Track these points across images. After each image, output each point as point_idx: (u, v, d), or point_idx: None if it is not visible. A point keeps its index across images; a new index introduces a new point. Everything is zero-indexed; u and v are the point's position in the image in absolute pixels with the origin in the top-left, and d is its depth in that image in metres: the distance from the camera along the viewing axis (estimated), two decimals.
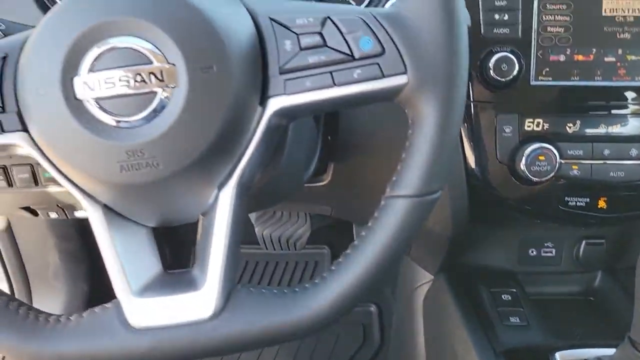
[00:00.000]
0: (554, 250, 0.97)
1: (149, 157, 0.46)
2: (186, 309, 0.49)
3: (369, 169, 0.87)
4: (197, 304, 0.49)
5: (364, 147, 0.83)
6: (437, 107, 0.47)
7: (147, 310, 0.49)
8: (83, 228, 1.34)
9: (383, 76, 0.47)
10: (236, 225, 0.50)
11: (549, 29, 0.73)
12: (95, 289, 1.37)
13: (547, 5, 0.72)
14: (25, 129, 0.48)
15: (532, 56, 0.73)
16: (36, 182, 0.90)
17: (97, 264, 1.39)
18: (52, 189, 0.91)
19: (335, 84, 0.47)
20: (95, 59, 0.45)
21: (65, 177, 0.50)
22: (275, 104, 0.48)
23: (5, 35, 0.63)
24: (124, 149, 0.46)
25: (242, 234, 0.51)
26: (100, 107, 0.46)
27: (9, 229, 1.27)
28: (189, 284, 0.50)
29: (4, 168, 0.88)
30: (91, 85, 0.45)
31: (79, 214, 1.11)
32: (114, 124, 0.46)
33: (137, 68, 0.45)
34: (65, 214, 1.08)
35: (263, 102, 0.48)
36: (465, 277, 0.98)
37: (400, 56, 0.47)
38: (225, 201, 0.49)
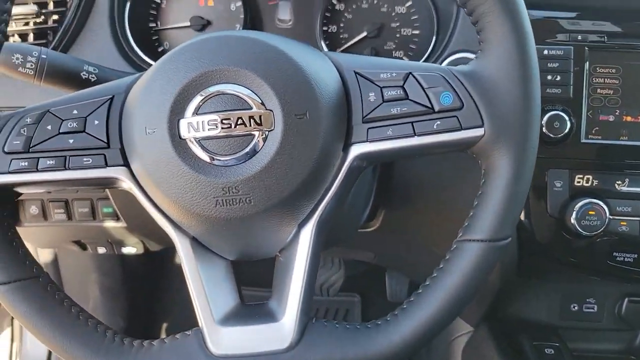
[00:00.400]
0: (595, 307, 0.97)
1: (243, 194, 0.50)
2: (264, 340, 0.52)
3: (418, 218, 0.90)
4: (274, 335, 0.52)
5: (416, 197, 0.86)
6: (511, 159, 0.50)
7: (228, 338, 0.52)
8: (125, 265, 1.37)
9: (461, 128, 0.51)
10: (314, 261, 0.53)
11: (598, 90, 0.77)
12: (132, 324, 1.39)
13: (597, 69, 0.77)
14: (126, 164, 0.53)
15: (583, 115, 0.77)
16: (94, 217, 0.94)
17: (135, 301, 1.42)
18: (108, 224, 0.96)
19: (415, 134, 0.51)
20: (200, 103, 0.50)
21: (159, 210, 0.53)
22: (357, 149, 0.52)
23: (98, 77, 0.69)
24: (221, 185, 0.50)
25: (317, 269, 0.54)
26: (202, 147, 0.50)
27: (55, 261, 1.31)
28: (267, 315, 0.53)
29: (66, 202, 0.93)
30: (195, 126, 0.50)
31: (126, 250, 1.15)
32: (210, 161, 0.50)
33: (238, 112, 0.49)
34: (114, 249, 1.12)
35: (346, 148, 0.52)
36: (507, 329, 0.99)
37: (478, 111, 0.51)
38: (305, 238, 0.53)
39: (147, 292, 1.47)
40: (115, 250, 1.13)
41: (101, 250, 1.12)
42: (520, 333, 0.98)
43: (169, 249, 1.50)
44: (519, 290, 0.96)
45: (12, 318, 1.42)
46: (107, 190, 0.88)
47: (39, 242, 1.14)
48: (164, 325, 1.50)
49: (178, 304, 1.49)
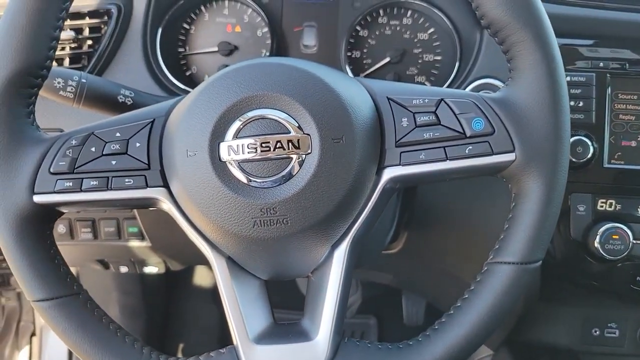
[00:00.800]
0: (617, 331, 0.97)
1: (280, 215, 0.51)
2: (298, 358, 0.53)
3: (440, 240, 0.90)
4: (309, 354, 0.53)
5: (438, 219, 0.87)
6: (542, 183, 0.52)
7: (262, 357, 0.53)
8: (145, 285, 1.38)
9: (493, 153, 0.52)
10: (346, 280, 0.54)
11: (620, 116, 0.78)
12: (149, 344, 1.39)
13: (619, 95, 0.78)
14: (165, 185, 0.54)
15: (605, 141, 0.78)
16: (119, 236, 0.96)
17: (153, 320, 1.43)
18: (133, 243, 0.97)
19: (447, 158, 0.53)
20: (240, 127, 0.52)
21: (197, 230, 0.55)
22: (390, 172, 0.54)
23: (134, 101, 0.71)
24: (259, 206, 0.51)
25: (349, 289, 0.55)
26: (241, 169, 0.52)
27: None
28: (300, 334, 0.54)
29: (93, 221, 0.95)
30: (235, 149, 0.51)
31: (147, 270, 1.16)
32: (247, 182, 0.52)
33: (277, 136, 0.51)
34: (136, 269, 1.14)
35: (379, 171, 0.54)
36: (528, 353, 0.99)
37: (509, 136, 0.52)
38: (338, 259, 0.54)
39: (166, 311, 1.48)
40: (137, 270, 1.14)
41: (123, 269, 1.13)
42: (540, 357, 0.98)
43: (189, 269, 1.51)
44: (540, 314, 0.96)
45: (31, 336, 1.43)
46: (134, 209, 0.90)
47: None
48: (181, 346, 1.50)
49: (195, 325, 1.49)
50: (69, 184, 0.53)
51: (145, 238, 0.95)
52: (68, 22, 0.83)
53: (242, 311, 0.54)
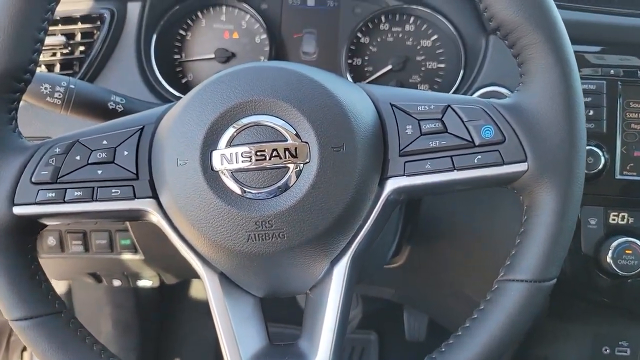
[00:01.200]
0: (628, 350, 0.93)
1: (276, 228, 0.48)
2: None
3: (444, 255, 0.87)
4: None
5: (443, 233, 0.84)
6: (556, 195, 0.48)
7: None
8: (139, 299, 1.35)
9: (503, 163, 0.49)
10: (347, 298, 0.51)
11: (632, 125, 0.75)
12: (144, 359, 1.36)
13: (631, 104, 0.75)
14: (154, 196, 0.51)
15: (617, 151, 0.75)
16: (112, 249, 0.93)
17: (147, 336, 1.39)
18: (125, 256, 0.94)
19: (455, 168, 0.49)
20: (234, 135, 0.49)
21: (187, 244, 0.51)
22: (393, 183, 0.50)
23: (125, 108, 0.68)
24: (254, 219, 0.48)
25: (350, 307, 0.52)
26: (235, 179, 0.48)
27: (69, 293, 1.29)
28: (298, 356, 0.51)
29: (84, 233, 0.92)
30: (228, 158, 0.48)
31: (141, 283, 1.13)
32: (241, 193, 0.48)
33: (273, 144, 0.48)
34: (129, 282, 1.11)
35: (382, 181, 0.51)
36: None
37: (521, 145, 0.49)
38: (338, 275, 0.50)
39: (160, 326, 1.44)
40: (131, 283, 1.11)
41: (116, 283, 1.10)
42: None
43: (184, 283, 1.48)
44: (549, 331, 0.93)
45: (22, 351, 1.40)
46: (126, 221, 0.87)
47: (54, 274, 1.12)
48: None
49: (190, 340, 1.45)
50: (52, 194, 0.50)
51: (138, 251, 0.91)
52: (59, 27, 0.81)
53: (235, 331, 0.51)
